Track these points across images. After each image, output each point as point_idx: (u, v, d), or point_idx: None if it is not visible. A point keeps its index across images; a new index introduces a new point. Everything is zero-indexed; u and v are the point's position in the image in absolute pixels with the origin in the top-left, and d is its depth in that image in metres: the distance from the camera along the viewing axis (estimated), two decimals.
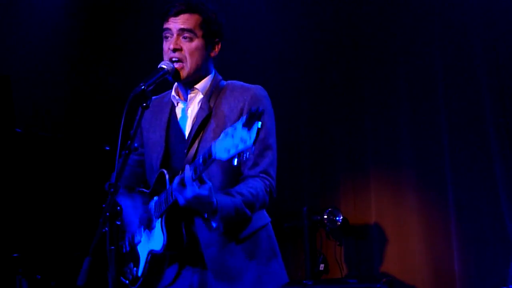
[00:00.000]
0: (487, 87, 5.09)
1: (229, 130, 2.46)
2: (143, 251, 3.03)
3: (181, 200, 2.70)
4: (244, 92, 3.00)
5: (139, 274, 3.02)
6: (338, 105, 5.95)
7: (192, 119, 3.01)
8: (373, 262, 5.68)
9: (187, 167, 2.68)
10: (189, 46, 2.96)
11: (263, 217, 3.06)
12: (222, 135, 2.49)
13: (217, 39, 3.07)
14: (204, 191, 2.66)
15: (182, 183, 2.68)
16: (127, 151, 2.67)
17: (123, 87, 3.70)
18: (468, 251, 5.15)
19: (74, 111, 6.12)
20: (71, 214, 4.81)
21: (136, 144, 2.74)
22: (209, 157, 2.56)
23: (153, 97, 3.00)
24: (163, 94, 3.22)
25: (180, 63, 2.96)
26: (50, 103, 5.98)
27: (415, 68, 5.54)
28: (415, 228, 5.49)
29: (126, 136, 2.69)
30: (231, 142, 2.44)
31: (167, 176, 2.91)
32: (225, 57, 6.26)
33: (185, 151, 2.96)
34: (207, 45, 3.02)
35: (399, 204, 5.61)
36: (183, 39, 2.96)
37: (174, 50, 2.94)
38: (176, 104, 3.09)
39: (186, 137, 3.00)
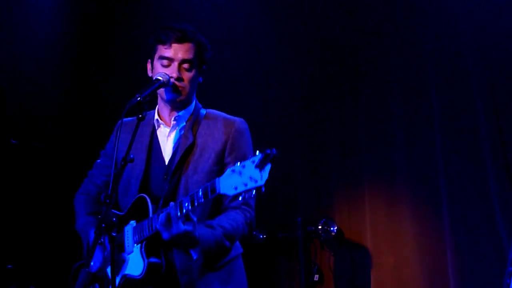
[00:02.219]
0: (480, 99, 5.11)
1: (236, 167, 2.56)
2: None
3: (165, 236, 2.77)
4: (228, 125, 3.10)
5: None
6: (332, 115, 5.96)
7: (174, 145, 3.08)
8: (368, 272, 5.68)
9: (172, 204, 2.76)
10: (188, 76, 3.06)
11: (237, 248, 3.14)
12: (228, 171, 2.58)
13: (205, 66, 3.18)
14: (189, 227, 2.76)
15: (169, 221, 2.74)
16: (123, 163, 2.69)
17: (118, 99, 3.71)
18: (463, 261, 5.15)
19: (69, 122, 6.11)
20: (65, 225, 4.80)
21: (130, 156, 2.74)
22: (212, 192, 2.66)
23: (128, 118, 3.12)
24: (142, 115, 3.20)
25: (181, 93, 3.06)
26: (45, 114, 5.96)
27: (408, 79, 5.55)
28: (409, 238, 5.49)
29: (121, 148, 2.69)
30: (239, 179, 2.54)
31: (149, 203, 2.95)
32: (218, 59, 6.33)
33: (167, 179, 3.02)
34: (199, 73, 3.14)
35: (393, 214, 5.62)
36: (183, 68, 3.06)
37: (178, 79, 3.03)
38: (157, 127, 3.15)
39: (167, 163, 3.06)
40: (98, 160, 3.35)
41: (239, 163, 2.57)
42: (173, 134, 3.12)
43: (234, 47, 6.15)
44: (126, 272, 2.96)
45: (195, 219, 2.78)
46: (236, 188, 2.56)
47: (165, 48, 3.06)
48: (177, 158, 3.03)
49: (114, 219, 2.57)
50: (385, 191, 5.69)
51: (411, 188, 5.51)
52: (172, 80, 3.01)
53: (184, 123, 3.11)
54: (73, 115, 6.16)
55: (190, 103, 3.13)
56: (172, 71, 3.03)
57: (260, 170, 2.49)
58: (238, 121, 3.17)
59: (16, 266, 4.53)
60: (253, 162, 2.51)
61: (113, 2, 6.44)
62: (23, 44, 5.88)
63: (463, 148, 5.20)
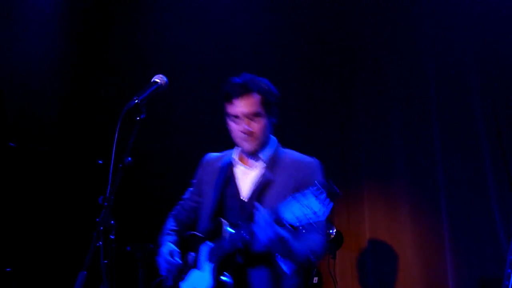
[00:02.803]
0: (479, 98, 5.12)
1: (298, 196, 2.74)
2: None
3: (263, 238, 2.90)
4: (304, 165, 3.32)
5: None
6: (331, 117, 5.97)
7: (252, 183, 3.30)
8: (367, 275, 5.68)
9: (264, 210, 2.89)
10: (258, 127, 3.26)
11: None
12: (289, 199, 2.77)
13: (275, 108, 3.36)
14: (285, 233, 2.90)
15: (266, 223, 2.87)
16: (121, 165, 2.68)
17: (116, 101, 3.71)
18: (462, 262, 5.16)
19: (67, 125, 6.11)
20: (64, 228, 4.80)
21: (128, 159, 2.74)
22: (276, 218, 2.82)
23: (215, 154, 3.53)
24: (224, 152, 3.53)
25: (254, 142, 3.28)
26: (43, 117, 5.97)
27: (407, 80, 5.56)
28: (408, 240, 5.50)
29: (120, 150, 2.69)
30: (299, 209, 2.73)
31: (225, 225, 3.18)
32: (217, 58, 6.32)
33: (243, 212, 3.24)
34: (270, 118, 3.33)
35: (392, 216, 5.62)
36: (251, 121, 3.25)
37: (246, 133, 3.25)
38: (234, 165, 3.40)
39: (245, 200, 3.28)
40: (187, 191, 3.65)
41: (299, 195, 2.74)
42: (252, 172, 3.35)
43: (232, 46, 6.15)
44: (195, 286, 3.22)
45: (289, 227, 2.89)
46: (298, 219, 2.74)
47: (230, 106, 3.26)
48: (257, 193, 3.25)
49: (112, 221, 2.57)
50: (384, 193, 5.70)
51: (410, 189, 5.51)
52: (241, 134, 3.25)
53: (264, 164, 3.33)
54: (71, 118, 6.17)
55: (267, 145, 3.34)
56: (241, 127, 3.25)
57: (323, 205, 2.71)
58: (311, 161, 3.37)
59: (15, 269, 4.53)
60: (315, 194, 2.72)
61: (112, 3, 6.45)
62: (22, 46, 5.89)
63: (462, 149, 5.21)
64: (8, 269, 4.43)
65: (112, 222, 2.55)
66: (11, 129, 5.36)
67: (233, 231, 3.14)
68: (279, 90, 5.98)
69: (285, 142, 5.91)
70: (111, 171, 2.65)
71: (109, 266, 2.55)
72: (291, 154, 3.39)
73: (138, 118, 2.78)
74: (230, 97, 3.24)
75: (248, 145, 3.27)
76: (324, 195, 2.71)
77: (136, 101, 2.78)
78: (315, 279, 5.72)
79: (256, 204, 2.98)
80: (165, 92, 3.07)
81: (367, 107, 5.77)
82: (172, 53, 6.31)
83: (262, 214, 2.89)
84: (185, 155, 6.27)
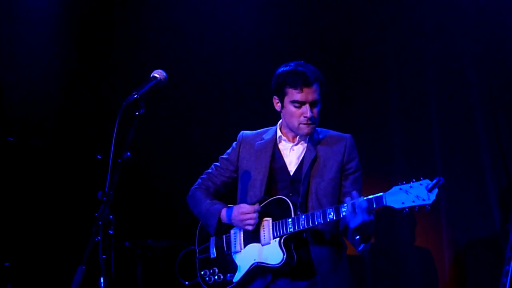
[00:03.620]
0: (478, 97, 5.12)
1: (403, 187, 3.23)
2: (244, 261, 3.59)
3: (358, 220, 3.28)
4: (343, 140, 3.71)
5: (234, 280, 3.60)
6: (329, 117, 5.94)
7: (299, 158, 3.64)
8: (365, 271, 5.68)
9: (363, 199, 3.30)
10: (316, 112, 3.60)
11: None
12: (395, 189, 3.25)
13: (324, 96, 3.67)
14: (372, 217, 3.33)
15: (364, 211, 3.29)
16: (120, 160, 2.68)
17: (116, 96, 3.71)
18: (460, 260, 5.16)
19: (66, 120, 6.11)
20: (63, 223, 4.80)
21: (127, 154, 2.73)
22: (377, 203, 3.28)
23: (253, 131, 3.85)
24: (263, 130, 3.86)
25: (314, 127, 3.62)
26: (42, 112, 5.97)
27: (407, 80, 5.55)
28: (406, 237, 5.49)
29: (119, 145, 2.69)
30: (405, 196, 3.21)
31: (291, 205, 3.49)
32: (217, 57, 6.31)
33: (293, 186, 3.59)
34: (322, 103, 3.65)
35: (390, 213, 5.62)
36: (312, 107, 3.56)
37: (310, 118, 3.56)
38: (278, 141, 3.71)
39: (293, 172, 3.62)
40: (219, 163, 3.90)
41: (405, 183, 3.24)
42: (296, 148, 3.68)
43: (231, 45, 6.15)
44: (260, 260, 3.51)
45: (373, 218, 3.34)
46: (403, 203, 3.21)
47: (297, 93, 3.55)
48: (305, 168, 3.58)
49: (111, 217, 2.57)
50: (382, 190, 5.68)
51: None
52: (304, 120, 3.55)
53: (306, 141, 3.66)
54: (71, 112, 6.16)
55: None
56: (305, 112, 3.54)
57: (430, 192, 3.16)
58: (349, 136, 3.76)
59: (13, 264, 4.52)
60: (421, 184, 3.18)
61: (112, 0, 6.45)
62: (21, 41, 5.88)
63: (461, 148, 5.21)
64: (6, 264, 4.43)
65: (111, 217, 2.55)
66: (10, 124, 5.36)
67: (293, 214, 3.45)
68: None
69: None
70: (110, 166, 2.65)
71: (107, 261, 2.55)
72: (328, 131, 3.75)
73: (137, 113, 2.78)
74: (297, 84, 3.53)
75: (307, 130, 3.57)
76: (433, 186, 3.17)
77: (135, 96, 2.78)
78: None
79: (353, 193, 3.31)
80: (164, 88, 3.07)
81: (366, 107, 5.76)
82: (172, 49, 6.30)
83: (358, 201, 3.27)
84: (185, 151, 6.27)
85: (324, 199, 3.54)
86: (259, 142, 3.74)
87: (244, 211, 3.53)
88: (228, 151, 3.89)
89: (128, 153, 2.71)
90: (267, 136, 3.76)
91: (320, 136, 3.70)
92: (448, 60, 5.32)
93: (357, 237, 3.44)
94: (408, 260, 5.47)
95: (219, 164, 3.88)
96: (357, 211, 3.27)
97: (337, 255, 3.60)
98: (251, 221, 3.51)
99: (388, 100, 5.65)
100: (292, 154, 3.66)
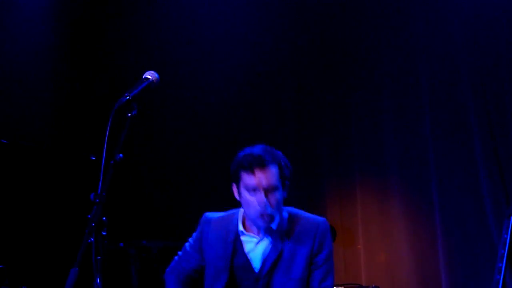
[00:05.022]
0: (471, 95, 5.14)
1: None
2: None
3: None
4: (313, 228, 3.27)
5: None
6: (324, 114, 5.97)
7: (264, 254, 3.24)
8: (360, 270, 5.69)
9: None
10: (275, 200, 3.17)
11: None
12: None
13: (288, 182, 3.27)
14: None
15: None
16: (112, 161, 2.68)
17: (109, 97, 3.71)
18: (454, 258, 5.17)
19: (59, 121, 6.10)
20: (56, 225, 4.80)
21: (120, 156, 2.72)
22: None
23: (216, 216, 3.39)
24: (225, 215, 3.41)
25: (271, 220, 3.18)
26: (35, 113, 5.96)
27: (400, 76, 5.57)
28: (401, 236, 5.51)
29: (111, 146, 2.70)
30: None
31: None
32: (212, 55, 6.32)
33: (257, 286, 3.22)
34: (284, 191, 3.24)
35: (385, 212, 5.64)
36: (269, 194, 3.15)
37: (265, 207, 3.13)
38: (241, 235, 3.28)
39: (257, 271, 3.24)
40: (188, 248, 3.50)
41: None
42: (261, 243, 3.26)
43: (225, 46, 6.16)
44: None
45: None
46: None
47: (249, 176, 3.15)
48: (268, 265, 3.21)
49: (104, 218, 2.57)
50: (376, 189, 5.71)
51: (402, 185, 5.53)
52: (261, 209, 3.14)
53: (272, 233, 3.24)
54: (64, 114, 6.16)
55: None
56: (259, 200, 3.13)
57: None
58: (321, 222, 3.31)
59: (8, 266, 4.52)
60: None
61: (105, 1, 6.45)
62: (13, 41, 5.87)
63: (454, 146, 5.23)
64: (0, 266, 4.43)
65: (104, 218, 2.55)
66: (2, 125, 5.36)
67: None
68: (272, 85, 6.04)
69: (279, 140, 5.97)
70: (102, 167, 2.65)
71: (101, 263, 2.55)
72: (297, 215, 3.34)
73: (129, 114, 2.77)
74: (250, 168, 3.15)
75: (262, 223, 3.18)
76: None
77: (128, 97, 2.77)
78: None
79: None
80: (157, 89, 3.07)
81: (360, 103, 5.78)
82: (165, 50, 6.30)
83: None
84: (179, 152, 6.28)
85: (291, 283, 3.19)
86: (221, 232, 3.34)
87: None
88: (193, 236, 3.50)
89: (121, 155, 2.71)
90: (229, 226, 3.33)
91: (288, 223, 3.28)
92: (441, 59, 5.33)
93: None
94: (402, 256, 5.49)
95: (187, 249, 3.51)
96: None
97: None
98: None
99: (381, 100, 5.67)
100: (257, 250, 3.26)
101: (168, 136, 6.24)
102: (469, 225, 5.11)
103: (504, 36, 5.03)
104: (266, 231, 3.23)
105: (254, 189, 3.14)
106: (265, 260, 3.23)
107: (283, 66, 6.13)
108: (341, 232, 5.76)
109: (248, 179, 3.15)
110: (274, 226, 3.22)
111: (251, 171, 3.14)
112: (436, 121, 5.31)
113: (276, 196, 3.16)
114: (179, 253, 3.56)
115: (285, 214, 3.29)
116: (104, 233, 2.55)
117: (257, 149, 3.22)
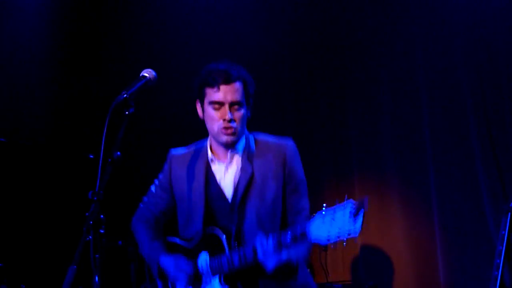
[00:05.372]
0: (469, 92, 5.14)
1: (326, 217, 2.75)
2: None
3: (270, 265, 2.91)
4: (281, 149, 3.23)
5: None
6: (322, 112, 5.97)
7: (234, 180, 3.19)
8: (358, 267, 5.70)
9: (263, 238, 2.90)
10: (239, 116, 3.15)
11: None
12: (318, 220, 2.77)
13: (252, 100, 3.26)
14: (287, 254, 2.90)
15: (276, 248, 2.88)
16: (110, 159, 2.68)
17: (106, 95, 3.71)
18: (452, 255, 5.18)
19: (57, 120, 6.10)
20: (55, 223, 4.80)
21: (117, 154, 2.72)
22: (302, 237, 2.82)
23: (183, 151, 3.36)
24: (190, 147, 3.39)
25: (235, 134, 3.15)
26: (33, 111, 5.96)
27: (398, 74, 5.57)
28: (399, 232, 5.52)
29: (109, 144, 2.70)
30: (331, 229, 2.72)
31: (224, 240, 3.10)
32: (209, 54, 6.31)
33: (234, 211, 3.15)
34: (248, 109, 3.23)
35: (383, 209, 5.64)
36: (234, 109, 3.13)
37: (230, 121, 3.11)
38: (211, 162, 3.25)
39: (231, 197, 3.18)
40: (153, 190, 3.46)
41: (327, 212, 2.77)
42: (230, 169, 3.22)
43: (222, 45, 6.15)
44: None
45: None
46: (329, 240, 2.72)
47: (214, 92, 3.13)
48: (241, 191, 3.15)
49: (102, 216, 2.57)
50: (375, 186, 5.71)
51: (401, 182, 5.53)
52: (224, 123, 3.11)
53: (240, 157, 3.21)
54: (62, 112, 6.15)
55: (242, 136, 3.23)
56: (223, 114, 3.11)
57: (354, 219, 2.67)
58: (289, 143, 3.29)
59: (6, 264, 4.52)
60: (344, 210, 2.71)
61: (102, 0, 6.45)
62: (11, 40, 5.87)
63: (452, 142, 5.23)
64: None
65: (101, 216, 2.55)
66: (0, 124, 5.36)
67: (227, 249, 3.08)
68: (270, 82, 6.04)
69: (275, 134, 5.96)
70: (100, 165, 2.65)
71: (99, 261, 2.56)
72: (264, 139, 3.30)
73: (127, 112, 2.77)
74: (215, 83, 3.12)
75: (226, 137, 3.14)
76: (356, 212, 2.69)
77: (125, 95, 2.78)
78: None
79: (259, 234, 2.94)
80: (155, 87, 3.08)
81: (358, 100, 5.78)
82: (163, 49, 6.30)
83: (262, 244, 2.90)
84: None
85: (267, 224, 3.12)
86: (190, 164, 3.30)
87: (180, 269, 3.16)
88: (159, 175, 3.46)
89: (118, 153, 2.71)
90: (198, 157, 3.30)
91: (256, 147, 3.24)
92: (439, 55, 5.33)
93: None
94: (400, 254, 5.49)
95: (154, 191, 3.45)
96: (266, 255, 2.90)
97: (288, 279, 3.16)
98: (183, 281, 3.14)
99: (379, 98, 5.67)
100: (228, 177, 3.22)
101: (166, 134, 6.24)
102: (467, 222, 5.12)
103: (501, 32, 5.03)
104: (229, 146, 3.18)
105: (219, 104, 3.12)
106: (236, 186, 3.18)
107: (281, 63, 6.12)
108: None
109: (213, 94, 3.13)
110: (239, 148, 3.21)
111: (216, 86, 3.12)
112: (434, 118, 5.31)
113: (241, 112, 3.15)
114: (144, 198, 3.52)
115: (251, 138, 3.27)
116: (102, 231, 2.56)
117: (223, 65, 3.19)
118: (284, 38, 6.09)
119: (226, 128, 3.12)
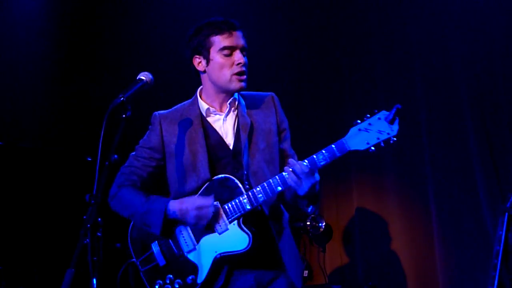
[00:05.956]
0: (466, 93, 5.14)
1: (361, 126, 2.96)
2: (202, 257, 3.16)
3: (306, 187, 3.01)
4: (268, 101, 3.37)
5: (199, 281, 3.15)
6: (319, 111, 5.98)
7: (235, 128, 3.27)
8: (357, 267, 5.70)
9: (303, 163, 3.03)
10: (246, 61, 3.23)
11: None
12: (353, 131, 2.97)
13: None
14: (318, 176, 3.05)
15: (308, 173, 3.01)
16: (107, 163, 2.69)
17: (104, 98, 3.72)
18: (450, 255, 5.18)
19: (55, 123, 6.10)
20: (53, 226, 4.80)
21: (115, 157, 2.72)
22: (341, 151, 3.00)
23: (169, 110, 3.38)
24: (179, 107, 3.40)
25: (246, 80, 3.23)
26: (30, 114, 5.95)
27: (395, 75, 5.58)
28: (397, 232, 5.52)
29: (106, 147, 2.70)
30: (367, 135, 2.96)
31: (239, 183, 3.13)
32: None
33: (235, 160, 3.20)
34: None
35: (381, 209, 5.64)
36: (243, 55, 3.22)
37: (244, 65, 3.20)
38: (206, 115, 3.28)
39: (232, 145, 3.23)
40: (140, 153, 3.36)
41: (362, 123, 2.96)
42: (229, 118, 3.28)
43: None
44: (224, 250, 3.11)
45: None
46: (368, 143, 2.96)
47: (225, 38, 3.18)
48: (244, 137, 3.21)
49: (99, 219, 2.57)
50: (373, 186, 5.71)
51: (398, 183, 5.53)
52: (238, 68, 3.18)
53: (235, 107, 3.29)
54: (60, 115, 6.15)
55: None
56: (239, 58, 3.18)
57: (391, 123, 2.94)
58: (274, 94, 3.42)
59: (5, 267, 4.52)
60: (379, 118, 2.94)
61: (99, 2, 6.44)
62: (8, 42, 5.87)
63: (449, 142, 5.23)
64: None
65: (99, 219, 2.56)
66: None
67: (244, 192, 3.10)
68: (267, 80, 6.03)
69: None
70: (97, 168, 2.66)
71: (97, 264, 2.56)
72: (250, 93, 3.40)
73: (124, 115, 2.78)
74: (225, 29, 3.17)
75: (240, 84, 3.20)
76: (393, 116, 2.93)
77: (122, 99, 2.79)
78: (305, 273, 5.75)
79: (290, 160, 3.05)
80: (152, 90, 3.08)
81: (355, 100, 5.79)
82: (160, 51, 6.30)
83: (299, 167, 2.99)
84: None
85: (270, 168, 3.23)
86: (182, 120, 3.31)
87: (200, 205, 3.10)
88: (145, 138, 3.38)
89: (116, 156, 2.72)
90: (189, 112, 3.32)
91: (246, 101, 3.33)
92: (436, 56, 5.34)
93: (305, 201, 3.17)
94: (398, 254, 5.50)
95: (139, 154, 3.35)
96: (301, 177, 3.00)
97: (285, 222, 3.30)
98: (209, 216, 3.09)
99: (377, 97, 5.68)
100: (226, 126, 3.26)
101: None
102: (464, 222, 5.12)
103: (499, 33, 5.04)
104: (235, 104, 3.27)
105: (232, 48, 3.18)
106: (237, 133, 3.25)
107: (277, 64, 6.13)
108: (337, 231, 5.78)
109: (225, 40, 3.17)
110: (233, 99, 3.28)
111: (227, 32, 3.17)
112: (431, 118, 5.31)
113: (246, 59, 3.22)
114: (126, 163, 3.39)
115: (236, 94, 3.32)
116: (99, 234, 2.56)
117: (220, 17, 3.25)
118: (284, 38, 6.10)
119: (240, 73, 3.19)
